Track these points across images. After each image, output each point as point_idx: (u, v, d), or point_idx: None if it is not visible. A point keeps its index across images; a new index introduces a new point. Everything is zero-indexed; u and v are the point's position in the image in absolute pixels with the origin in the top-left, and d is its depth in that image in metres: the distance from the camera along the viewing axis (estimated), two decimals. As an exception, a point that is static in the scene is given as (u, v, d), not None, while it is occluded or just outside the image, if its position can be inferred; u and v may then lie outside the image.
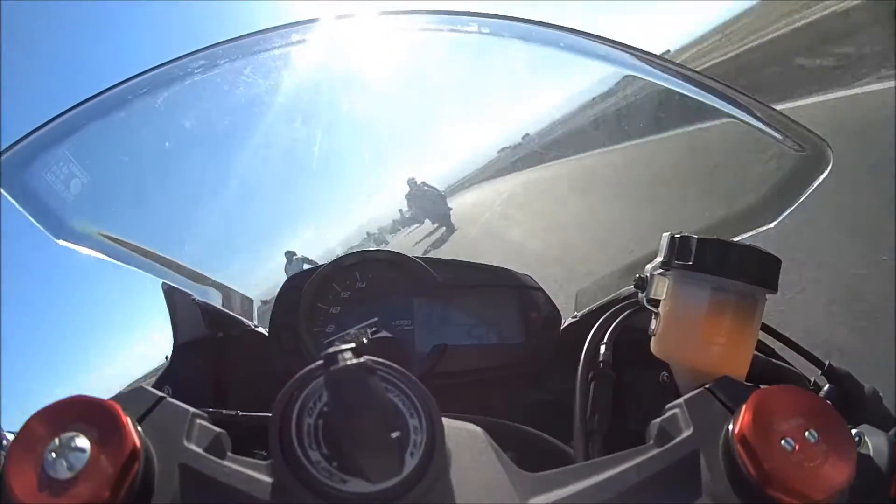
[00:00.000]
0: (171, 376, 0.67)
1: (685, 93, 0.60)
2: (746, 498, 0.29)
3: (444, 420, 0.29)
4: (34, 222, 0.53)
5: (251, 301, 0.76)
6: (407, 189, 1.45)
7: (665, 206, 0.78)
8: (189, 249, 0.73)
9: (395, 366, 0.31)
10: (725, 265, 0.40)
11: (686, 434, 0.32)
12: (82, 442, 0.26)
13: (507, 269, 0.72)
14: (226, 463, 0.29)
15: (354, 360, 0.27)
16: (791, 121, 0.59)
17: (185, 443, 0.29)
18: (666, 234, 0.43)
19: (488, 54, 0.72)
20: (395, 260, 0.69)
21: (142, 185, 0.70)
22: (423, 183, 1.44)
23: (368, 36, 0.72)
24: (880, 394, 0.50)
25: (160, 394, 0.31)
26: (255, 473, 0.28)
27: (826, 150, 0.59)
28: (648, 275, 0.44)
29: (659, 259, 0.43)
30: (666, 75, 0.60)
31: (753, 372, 0.42)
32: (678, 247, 0.42)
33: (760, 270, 0.40)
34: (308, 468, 0.26)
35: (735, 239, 0.48)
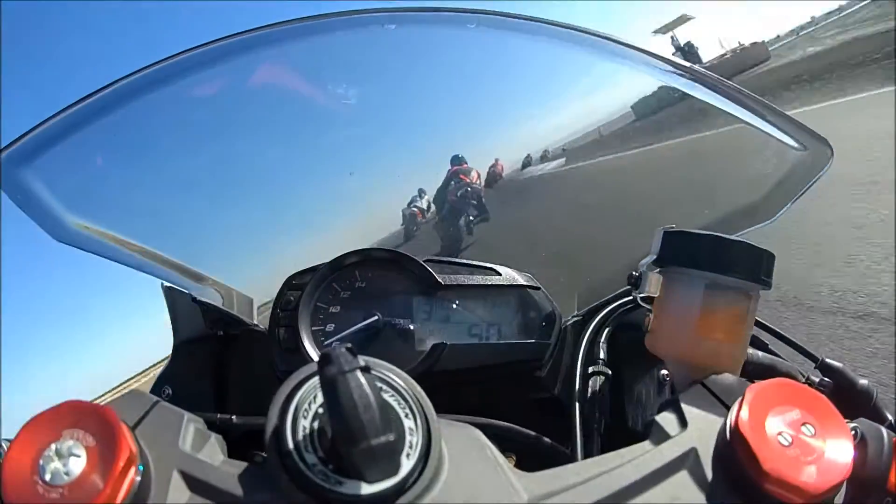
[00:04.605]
0: (171, 376, 0.67)
1: (686, 90, 0.60)
2: (744, 494, 0.29)
3: (440, 420, 0.29)
4: (34, 222, 0.53)
5: (251, 300, 0.76)
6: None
7: (666, 203, 0.78)
8: (189, 249, 0.73)
9: (390, 366, 0.31)
10: (719, 261, 0.39)
11: (682, 431, 0.32)
12: (78, 448, 0.26)
13: (507, 268, 0.71)
14: (222, 467, 0.29)
15: (349, 361, 0.27)
16: (793, 120, 0.59)
17: (181, 447, 0.29)
18: (659, 230, 0.42)
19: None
20: (395, 259, 0.69)
21: (141, 185, 0.70)
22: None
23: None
24: (874, 387, 0.50)
25: (155, 398, 0.31)
26: (251, 477, 0.28)
27: (827, 149, 0.59)
28: (642, 271, 0.44)
29: (652, 255, 0.43)
30: (667, 72, 0.60)
31: (748, 367, 0.42)
32: (671, 242, 0.41)
33: (754, 266, 0.40)
34: (304, 471, 0.26)
35: (734, 236, 0.48)
